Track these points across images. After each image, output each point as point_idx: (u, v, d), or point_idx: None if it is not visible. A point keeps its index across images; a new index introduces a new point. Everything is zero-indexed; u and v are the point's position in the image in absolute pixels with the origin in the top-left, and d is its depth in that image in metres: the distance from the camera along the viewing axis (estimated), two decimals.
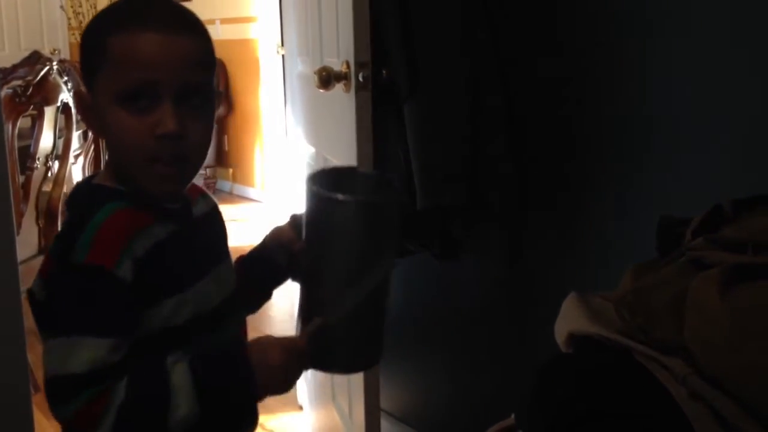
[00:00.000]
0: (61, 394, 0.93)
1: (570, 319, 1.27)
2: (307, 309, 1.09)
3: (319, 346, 1.04)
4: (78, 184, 1.09)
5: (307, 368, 1.07)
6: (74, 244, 0.93)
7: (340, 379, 2.14)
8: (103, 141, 1.05)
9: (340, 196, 1.00)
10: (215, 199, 1.16)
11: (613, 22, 1.70)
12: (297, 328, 1.11)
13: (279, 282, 1.21)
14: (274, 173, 5.27)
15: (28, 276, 2.93)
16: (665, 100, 1.62)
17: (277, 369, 1.01)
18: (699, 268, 1.12)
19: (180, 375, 0.95)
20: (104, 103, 0.97)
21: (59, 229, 1.01)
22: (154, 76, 0.95)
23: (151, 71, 0.95)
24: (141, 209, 0.99)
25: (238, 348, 1.02)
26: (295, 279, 1.18)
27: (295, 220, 1.17)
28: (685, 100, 1.58)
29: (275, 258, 1.17)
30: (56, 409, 0.94)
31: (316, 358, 1.06)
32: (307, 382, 2.56)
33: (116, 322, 0.94)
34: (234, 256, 1.18)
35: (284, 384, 1.03)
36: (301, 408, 2.65)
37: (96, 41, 0.98)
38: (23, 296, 3.54)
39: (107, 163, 1.05)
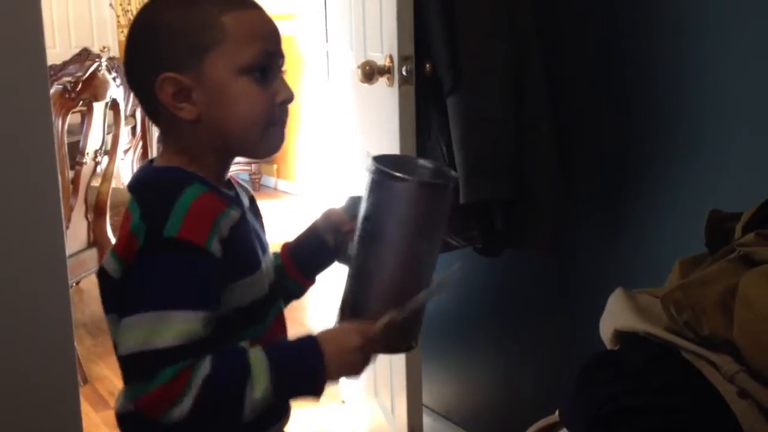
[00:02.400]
0: (146, 369, 0.92)
1: (616, 316, 1.25)
2: (353, 294, 1.10)
3: (358, 318, 1.06)
4: (142, 168, 1.09)
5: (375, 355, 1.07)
6: (164, 221, 0.94)
7: (382, 374, 2.14)
8: (169, 129, 1.05)
9: (402, 175, 1.04)
10: (251, 191, 1.17)
11: (666, 9, 1.67)
12: (339, 309, 1.11)
13: (326, 263, 1.21)
14: (315, 169, 5.29)
15: (77, 269, 3.00)
16: (718, 91, 1.58)
17: (353, 351, 1.02)
18: (749, 264, 1.10)
19: (257, 358, 0.96)
20: (224, 78, 1.00)
21: (136, 210, 0.99)
22: (274, 48, 1.04)
23: (272, 42, 1.04)
24: (216, 193, 1.02)
25: (307, 336, 1.02)
26: (342, 261, 1.18)
27: (348, 202, 1.18)
28: (737, 93, 1.55)
29: (324, 238, 1.18)
30: (135, 385, 0.94)
31: None
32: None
33: (208, 296, 0.96)
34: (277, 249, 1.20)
35: (359, 366, 1.04)
36: (343, 402, 2.66)
37: (206, 21, 1.00)
38: (71, 289, 3.60)
39: (169, 150, 1.06)
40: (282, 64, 1.06)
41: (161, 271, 0.95)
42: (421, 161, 1.18)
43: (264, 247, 1.10)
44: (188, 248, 0.94)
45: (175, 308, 0.93)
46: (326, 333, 1.03)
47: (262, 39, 1.02)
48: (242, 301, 1.02)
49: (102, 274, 1.03)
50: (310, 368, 1.00)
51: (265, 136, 1.04)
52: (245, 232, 1.04)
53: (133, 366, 0.94)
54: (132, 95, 3.93)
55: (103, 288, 1.05)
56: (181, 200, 0.96)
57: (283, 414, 1.12)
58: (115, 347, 1.01)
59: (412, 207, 1.04)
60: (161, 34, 1.02)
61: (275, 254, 1.18)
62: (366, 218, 1.08)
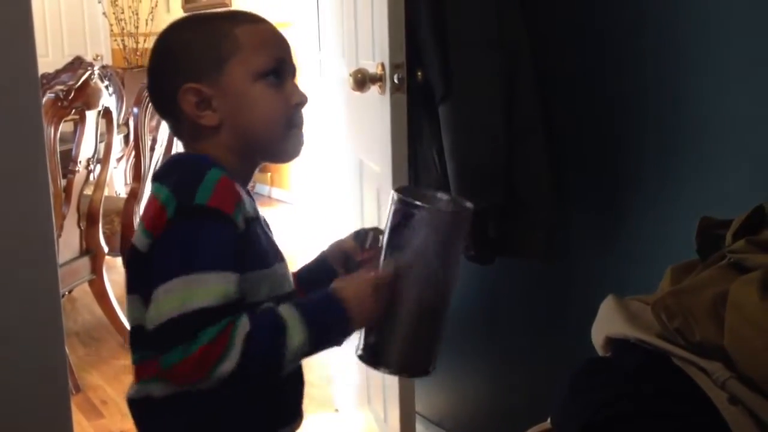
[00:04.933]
0: (186, 331, 0.95)
1: (608, 322, 1.25)
2: (379, 323, 1.12)
3: (377, 343, 1.11)
4: (168, 158, 1.17)
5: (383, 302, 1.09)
6: (194, 192, 0.99)
7: (375, 382, 2.14)
8: (185, 135, 1.13)
9: (425, 204, 1.11)
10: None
11: (655, 19, 1.67)
12: (365, 336, 1.14)
13: None
14: (309, 177, 5.29)
15: (69, 277, 2.99)
16: (707, 99, 1.59)
17: (368, 299, 1.07)
18: (740, 270, 1.10)
19: (289, 312, 1.01)
20: (242, 85, 1.08)
21: (162, 190, 1.03)
22: (284, 54, 1.12)
23: (282, 50, 1.12)
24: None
25: (328, 290, 1.08)
26: None
27: (358, 234, 1.23)
28: (728, 99, 1.55)
29: (334, 267, 1.22)
30: (174, 352, 0.95)
31: (372, 356, 1.12)
32: (343, 386, 2.57)
33: (236, 261, 1.00)
34: None
35: (373, 311, 1.08)
36: (336, 411, 2.66)
37: (221, 35, 1.09)
38: (64, 298, 3.58)
39: (192, 148, 1.12)
40: (294, 73, 1.13)
41: (192, 236, 0.99)
42: (439, 194, 1.25)
43: (280, 255, 1.13)
44: (217, 215, 0.99)
45: (209, 270, 0.97)
46: (342, 286, 1.08)
47: (273, 47, 1.10)
48: (257, 295, 1.05)
49: (132, 254, 1.06)
50: (336, 317, 1.05)
51: (287, 137, 1.11)
52: (260, 226, 1.09)
53: (173, 331, 0.95)
54: (124, 103, 3.93)
55: (130, 267, 1.09)
56: (209, 175, 1.01)
57: (296, 417, 1.16)
58: (134, 328, 1.06)
59: (439, 233, 1.10)
60: (181, 50, 1.10)
61: None
62: (390, 246, 1.12)
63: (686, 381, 1.04)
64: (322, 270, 1.22)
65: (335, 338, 1.07)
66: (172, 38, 1.12)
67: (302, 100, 1.11)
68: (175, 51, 1.11)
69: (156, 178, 1.07)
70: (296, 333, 1.00)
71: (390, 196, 1.14)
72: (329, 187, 2.56)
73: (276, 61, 1.09)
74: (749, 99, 1.52)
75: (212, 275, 0.96)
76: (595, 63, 1.81)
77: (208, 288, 0.95)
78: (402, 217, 1.11)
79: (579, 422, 1.08)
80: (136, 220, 3.31)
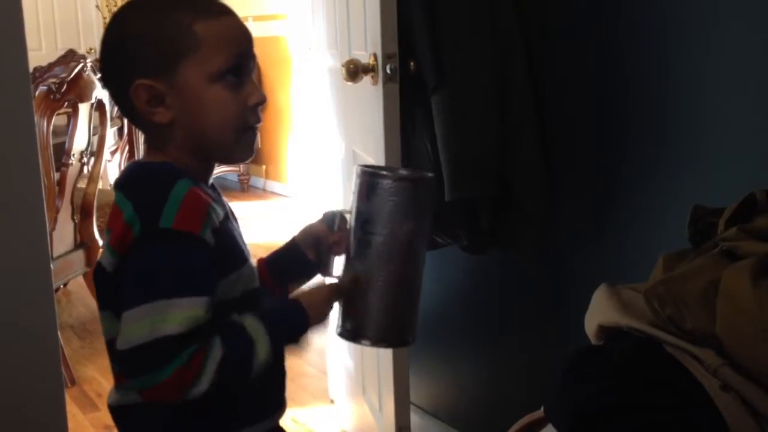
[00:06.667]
0: (158, 357, 0.95)
1: (600, 311, 1.26)
2: (358, 293, 1.14)
3: (356, 317, 1.14)
4: (130, 166, 1.12)
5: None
6: (159, 212, 0.97)
7: (370, 373, 2.14)
8: (153, 130, 1.07)
9: (388, 174, 1.14)
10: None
11: (648, 13, 1.67)
12: (343, 310, 1.16)
13: (305, 277, 1.23)
14: (305, 170, 5.29)
15: (64, 271, 2.99)
16: (696, 89, 1.59)
17: (326, 304, 1.11)
18: (732, 258, 1.10)
19: (253, 325, 1.03)
20: (197, 85, 1.03)
21: (126, 204, 1.01)
22: (245, 51, 1.06)
23: (243, 46, 1.06)
24: (203, 189, 1.05)
25: (292, 300, 1.12)
26: (324, 274, 1.21)
27: (326, 216, 1.21)
28: (717, 89, 1.55)
29: (305, 252, 1.20)
30: (146, 376, 0.95)
31: (351, 330, 1.15)
32: (338, 377, 2.57)
33: (207, 282, 1.00)
34: (262, 253, 1.23)
35: (327, 314, 1.13)
36: (332, 402, 2.66)
37: (179, 30, 1.02)
38: (59, 291, 3.57)
39: (152, 151, 1.08)
40: (253, 67, 1.08)
41: (160, 261, 0.97)
42: (401, 169, 1.29)
43: (246, 248, 1.12)
44: (185, 238, 0.97)
45: (179, 296, 0.96)
46: (304, 294, 1.12)
47: (233, 44, 1.04)
48: (234, 293, 1.05)
49: (98, 271, 1.05)
50: (299, 325, 1.09)
51: (240, 139, 1.07)
52: (231, 228, 1.07)
53: (143, 356, 0.95)
54: None
55: (98, 285, 1.07)
56: (175, 191, 0.98)
57: (279, 407, 1.16)
58: (109, 342, 1.04)
59: (404, 202, 1.11)
60: (135, 41, 1.04)
61: None
62: (359, 219, 1.14)
63: (678, 369, 1.05)
64: (293, 255, 1.21)
65: (292, 340, 1.10)
66: (126, 26, 1.05)
67: (260, 100, 1.07)
68: (129, 41, 1.04)
69: (118, 186, 1.05)
70: (263, 352, 1.02)
71: (354, 172, 1.15)
72: (324, 179, 2.55)
73: (235, 59, 1.04)
74: (740, 90, 1.52)
75: (180, 301, 0.95)
76: (588, 56, 1.80)
77: (175, 314, 0.94)
78: (367, 189, 1.12)
79: (572, 411, 1.09)
80: None
